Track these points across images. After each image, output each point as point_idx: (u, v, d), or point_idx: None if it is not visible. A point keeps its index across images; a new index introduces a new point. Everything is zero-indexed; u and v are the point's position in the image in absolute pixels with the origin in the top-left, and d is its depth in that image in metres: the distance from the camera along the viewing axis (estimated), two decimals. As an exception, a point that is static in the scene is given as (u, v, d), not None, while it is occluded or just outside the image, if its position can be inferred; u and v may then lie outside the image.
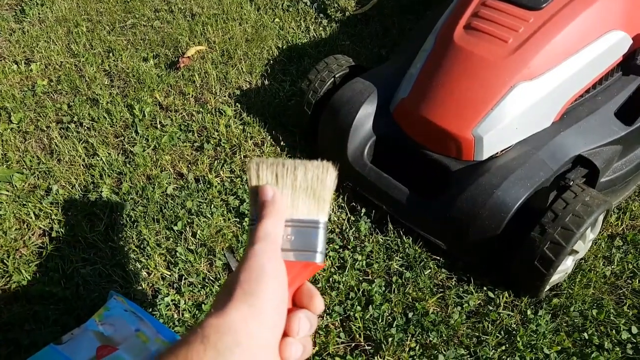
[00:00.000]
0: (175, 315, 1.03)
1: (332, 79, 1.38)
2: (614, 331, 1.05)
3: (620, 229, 1.25)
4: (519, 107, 1.09)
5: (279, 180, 0.59)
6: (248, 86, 1.65)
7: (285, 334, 0.47)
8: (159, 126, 1.49)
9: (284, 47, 1.81)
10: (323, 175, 0.60)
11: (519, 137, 1.13)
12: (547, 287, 1.08)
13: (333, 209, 1.27)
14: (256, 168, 0.58)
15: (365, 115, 1.26)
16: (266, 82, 1.67)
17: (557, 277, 1.07)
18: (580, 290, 1.11)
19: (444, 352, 1.00)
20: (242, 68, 1.70)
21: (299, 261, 0.54)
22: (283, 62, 1.76)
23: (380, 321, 1.04)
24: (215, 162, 1.39)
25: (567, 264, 1.09)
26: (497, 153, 1.13)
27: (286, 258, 0.54)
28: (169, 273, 1.11)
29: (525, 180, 1.07)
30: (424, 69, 1.20)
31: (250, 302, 0.44)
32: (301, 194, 0.60)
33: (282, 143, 1.44)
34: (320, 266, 0.54)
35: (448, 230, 1.13)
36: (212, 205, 1.26)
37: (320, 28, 1.89)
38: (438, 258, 1.17)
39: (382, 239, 1.21)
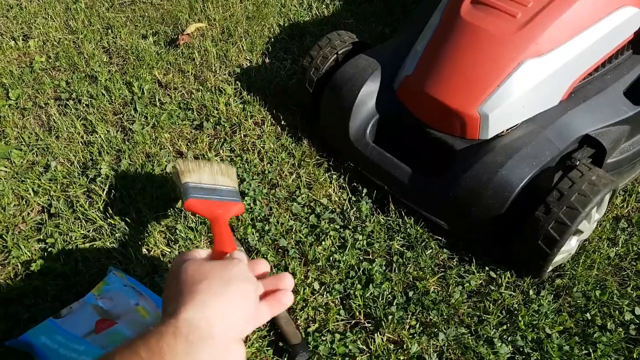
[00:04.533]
0: (175, 292, 1.02)
1: (335, 55, 1.35)
2: (617, 312, 1.04)
3: (626, 211, 1.23)
4: (526, 85, 1.07)
5: (201, 167, 0.99)
6: (248, 64, 1.63)
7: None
8: (158, 104, 1.47)
9: (286, 24, 1.78)
10: (227, 166, 1.04)
11: (526, 115, 1.11)
12: (550, 268, 1.07)
13: (334, 189, 1.26)
14: (182, 163, 0.98)
15: (368, 93, 1.24)
16: (267, 60, 1.64)
17: (560, 257, 1.06)
18: (584, 271, 1.10)
19: (444, 330, 0.99)
20: (242, 46, 1.68)
21: (231, 202, 0.95)
22: (284, 40, 1.73)
23: (380, 299, 1.03)
24: (215, 141, 1.37)
25: (571, 245, 1.07)
26: (502, 132, 1.11)
27: (222, 201, 0.94)
28: (169, 250, 1.10)
29: (530, 159, 1.05)
30: (430, 45, 1.17)
31: (223, 299, 0.46)
32: (218, 174, 1.00)
33: (282, 122, 1.42)
34: (242, 206, 0.98)
35: (451, 209, 1.12)
36: (212, 183, 1.24)
37: (323, 6, 1.86)
38: (440, 238, 1.16)
39: (383, 219, 1.19)
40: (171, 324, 0.43)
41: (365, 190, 1.24)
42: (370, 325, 1.01)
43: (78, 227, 1.13)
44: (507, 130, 1.11)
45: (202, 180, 0.97)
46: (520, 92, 1.07)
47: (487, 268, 1.11)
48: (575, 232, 1.02)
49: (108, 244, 1.10)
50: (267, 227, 1.16)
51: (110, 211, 1.16)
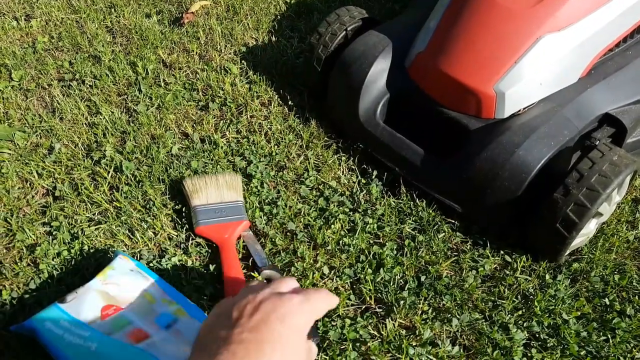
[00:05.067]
0: (183, 276, 1.01)
1: (344, 32, 1.31)
2: (636, 297, 1.01)
3: (645, 192, 1.19)
4: (544, 61, 1.02)
5: (208, 185, 1.11)
6: (254, 43, 1.59)
7: None
8: (162, 84, 1.43)
9: (292, 1, 1.73)
10: (232, 176, 1.14)
11: (543, 93, 1.06)
12: (568, 252, 1.04)
13: (343, 172, 1.23)
14: (189, 183, 1.11)
15: (379, 71, 1.20)
16: (273, 39, 1.60)
17: (578, 240, 1.02)
18: (602, 255, 1.07)
19: (457, 316, 0.97)
20: (248, 24, 1.63)
21: (236, 221, 1.07)
22: (291, 17, 1.68)
23: (391, 284, 1.01)
24: (221, 122, 1.34)
25: (590, 227, 1.04)
26: (519, 110, 1.07)
27: (228, 221, 1.07)
28: (176, 233, 1.08)
29: (548, 139, 1.01)
30: (443, 20, 1.12)
31: None
32: (224, 188, 1.11)
33: (289, 102, 1.38)
34: (247, 222, 1.09)
35: (464, 192, 1.08)
36: (219, 166, 1.22)
37: (331, -18, 1.80)
38: (453, 221, 1.13)
39: (394, 202, 1.16)
40: None
41: (375, 173, 1.21)
42: (381, 310, 0.98)
43: (83, 210, 1.11)
44: (523, 109, 1.07)
45: (209, 199, 1.09)
46: (537, 69, 1.03)
47: (501, 252, 1.08)
48: (595, 215, 0.99)
49: (114, 227, 1.08)
50: (274, 211, 1.13)
51: (116, 194, 1.14)
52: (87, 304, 0.84)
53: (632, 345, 0.94)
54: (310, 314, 0.56)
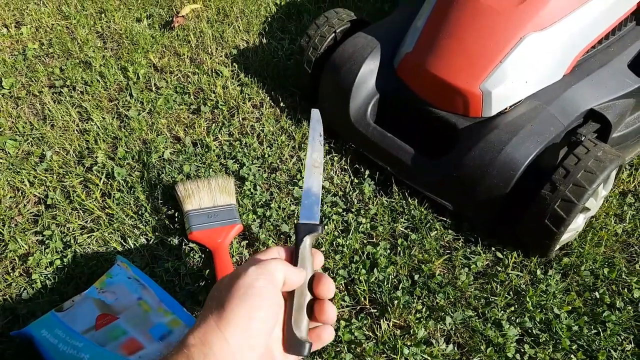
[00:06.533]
0: (176, 282, 1.01)
1: (333, 34, 1.32)
2: (625, 290, 1.02)
3: (632, 185, 1.21)
4: (529, 60, 1.03)
5: (200, 189, 1.11)
6: (245, 45, 1.59)
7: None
8: (153, 89, 1.44)
9: (282, 3, 1.74)
10: (225, 180, 1.14)
11: (529, 91, 1.07)
12: (558, 246, 1.05)
13: (336, 172, 1.23)
14: (182, 188, 1.11)
15: (368, 72, 1.21)
16: (264, 41, 1.60)
17: (567, 235, 1.04)
18: (591, 249, 1.08)
19: (451, 314, 0.98)
20: (238, 26, 1.64)
21: (229, 225, 1.07)
22: (281, 19, 1.69)
23: (385, 284, 1.02)
24: (213, 125, 1.34)
25: (578, 222, 1.05)
26: (505, 108, 1.08)
27: (221, 226, 1.06)
28: (169, 239, 1.08)
29: (535, 136, 1.02)
30: (429, 21, 1.13)
31: (241, 325, 0.45)
32: (217, 191, 1.11)
33: (281, 104, 1.39)
34: (241, 226, 1.09)
35: (455, 190, 1.09)
36: (211, 169, 1.22)
37: (320, -17, 1.81)
38: (444, 219, 1.14)
39: (386, 201, 1.17)
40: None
41: (367, 172, 1.22)
42: (375, 310, 0.99)
43: (75, 218, 1.12)
44: (510, 107, 1.08)
45: (202, 204, 1.10)
46: (522, 68, 1.04)
47: (493, 249, 1.09)
48: (582, 210, 1.00)
49: (106, 234, 1.08)
50: (268, 213, 1.14)
51: (108, 201, 1.14)
52: (82, 313, 0.85)
53: (622, 337, 0.95)
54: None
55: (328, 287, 0.53)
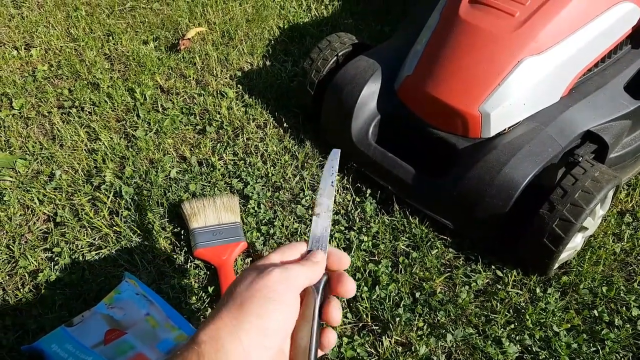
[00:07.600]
0: (182, 298, 1.03)
1: (335, 57, 1.36)
2: (624, 308, 1.04)
3: (630, 205, 1.23)
4: (526, 82, 1.07)
5: (206, 207, 1.13)
6: (249, 67, 1.63)
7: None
8: (160, 109, 1.47)
9: (285, 26, 1.78)
10: (229, 198, 1.17)
11: (527, 113, 1.10)
12: (556, 265, 1.07)
13: (338, 191, 1.26)
14: (188, 206, 1.13)
15: (370, 94, 1.24)
16: (268, 63, 1.65)
17: (566, 254, 1.06)
18: (590, 267, 1.10)
19: (452, 331, 0.99)
20: (243, 49, 1.68)
21: (233, 243, 1.09)
22: (284, 42, 1.73)
23: (387, 301, 1.04)
24: (218, 144, 1.37)
25: (577, 241, 1.07)
26: (504, 130, 1.11)
27: (226, 243, 1.09)
28: (175, 256, 1.11)
29: (533, 156, 1.05)
30: (429, 45, 1.17)
31: (258, 325, 0.45)
32: (222, 210, 1.14)
33: (285, 124, 1.42)
34: (245, 243, 1.11)
35: (455, 209, 1.12)
36: (216, 188, 1.25)
37: (322, 6, 1.86)
38: (445, 238, 1.16)
39: (388, 219, 1.19)
40: None
41: (369, 191, 1.24)
42: (377, 327, 1.01)
43: (84, 236, 1.14)
44: (509, 128, 1.11)
45: (207, 222, 1.12)
46: (520, 90, 1.07)
47: (493, 267, 1.11)
48: (580, 229, 1.02)
49: (114, 251, 1.11)
50: (272, 231, 1.16)
51: (116, 219, 1.17)
52: (91, 328, 0.86)
53: (621, 355, 0.97)
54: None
55: (348, 287, 0.55)
